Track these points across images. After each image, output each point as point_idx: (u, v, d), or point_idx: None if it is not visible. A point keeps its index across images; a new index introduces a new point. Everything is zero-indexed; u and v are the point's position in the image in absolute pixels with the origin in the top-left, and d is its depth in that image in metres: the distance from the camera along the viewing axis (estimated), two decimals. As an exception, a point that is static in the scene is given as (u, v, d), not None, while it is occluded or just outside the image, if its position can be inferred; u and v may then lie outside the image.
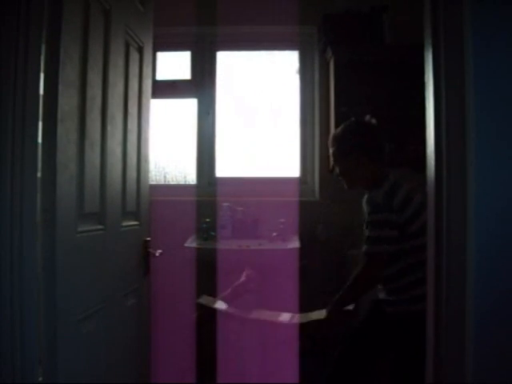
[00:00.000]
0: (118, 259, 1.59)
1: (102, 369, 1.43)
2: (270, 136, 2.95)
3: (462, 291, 1.00)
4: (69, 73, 1.22)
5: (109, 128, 1.49)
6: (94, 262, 1.39)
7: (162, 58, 2.92)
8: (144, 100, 1.82)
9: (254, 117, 2.96)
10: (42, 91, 1.14)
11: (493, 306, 0.97)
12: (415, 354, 1.28)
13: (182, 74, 2.96)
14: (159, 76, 2.89)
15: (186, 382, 2.30)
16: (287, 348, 2.22)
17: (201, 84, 2.94)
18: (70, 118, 1.24)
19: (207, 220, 2.68)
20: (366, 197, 1.93)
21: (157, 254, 1.81)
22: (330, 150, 1.95)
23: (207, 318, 2.27)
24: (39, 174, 1.13)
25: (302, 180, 2.92)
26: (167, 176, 2.97)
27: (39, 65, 1.12)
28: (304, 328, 1.95)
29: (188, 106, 2.96)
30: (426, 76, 1.12)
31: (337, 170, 1.93)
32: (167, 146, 2.95)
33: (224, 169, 2.95)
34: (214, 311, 2.24)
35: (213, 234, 2.65)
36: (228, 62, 2.98)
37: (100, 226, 1.44)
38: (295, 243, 2.44)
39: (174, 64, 2.97)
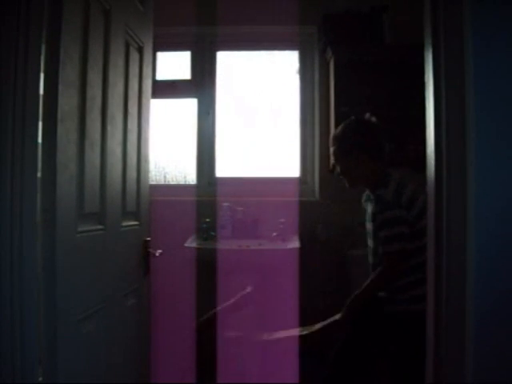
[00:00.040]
0: (118, 259, 1.59)
1: (101, 369, 1.43)
2: (270, 136, 2.95)
3: (462, 291, 1.00)
4: (69, 73, 1.22)
5: (109, 128, 1.49)
6: (94, 262, 1.39)
7: (162, 58, 2.92)
8: (144, 100, 1.82)
9: (254, 117, 2.96)
10: (42, 91, 1.14)
11: (493, 305, 0.97)
12: (415, 354, 1.28)
13: (181, 73, 2.95)
14: (159, 76, 2.89)
15: (185, 382, 2.30)
16: (287, 348, 2.22)
17: (201, 84, 2.94)
18: (70, 118, 1.24)
19: (207, 220, 2.68)
20: (369, 195, 1.93)
21: (157, 254, 1.81)
22: (331, 149, 1.95)
23: (207, 326, 2.28)
24: (39, 174, 1.13)
25: (302, 180, 2.92)
26: (167, 176, 2.97)
27: (39, 65, 1.12)
28: (317, 336, 1.94)
29: (188, 106, 2.96)
30: (426, 76, 1.12)
31: (338, 169, 1.93)
32: (167, 145, 2.95)
33: (224, 169, 2.95)
34: (214, 319, 2.25)
35: (213, 233, 2.65)
36: (228, 62, 2.98)
37: (100, 226, 1.44)
38: (295, 243, 2.44)
39: (174, 64, 2.97)
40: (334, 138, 1.93)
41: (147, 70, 1.86)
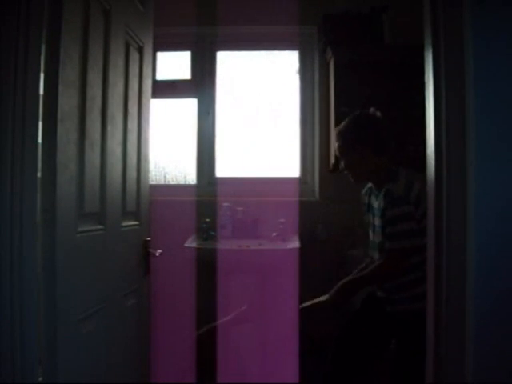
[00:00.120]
0: (118, 259, 1.59)
1: (102, 369, 1.43)
2: (270, 136, 2.95)
3: (462, 291, 1.00)
4: (69, 73, 1.22)
5: (109, 128, 1.49)
6: (94, 262, 1.39)
7: (162, 58, 2.92)
8: (144, 100, 1.82)
9: (254, 117, 2.96)
10: (42, 91, 1.14)
11: (493, 305, 0.97)
12: (415, 353, 1.28)
13: (182, 74, 2.95)
14: (159, 76, 2.89)
15: (185, 382, 2.30)
16: (287, 348, 2.23)
17: (201, 84, 2.94)
18: (70, 118, 1.24)
19: (207, 220, 2.68)
20: (371, 188, 1.93)
21: (157, 254, 1.81)
22: (335, 144, 1.94)
23: (208, 337, 2.30)
24: (39, 174, 1.13)
25: (302, 180, 2.92)
26: (167, 176, 2.97)
27: (39, 65, 1.12)
28: (304, 312, 1.94)
29: (188, 106, 2.96)
30: (426, 76, 1.12)
31: (342, 164, 1.93)
32: (167, 145, 2.95)
33: (224, 169, 2.95)
34: (215, 331, 2.28)
35: (213, 233, 2.65)
36: (228, 62, 2.98)
37: (100, 226, 1.44)
38: (295, 243, 2.44)
39: (174, 64, 2.97)
40: (339, 132, 1.93)
41: (147, 70, 1.87)
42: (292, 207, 2.68)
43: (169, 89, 2.90)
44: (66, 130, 1.21)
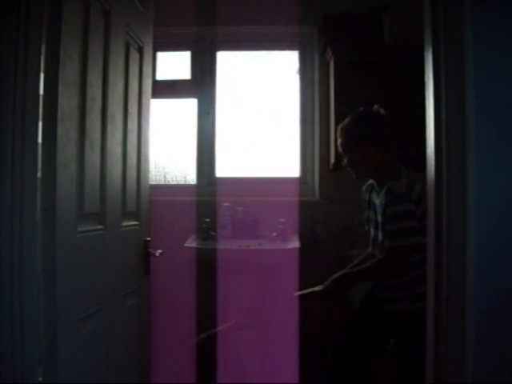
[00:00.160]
0: (118, 259, 1.59)
1: (102, 369, 1.43)
2: (270, 136, 2.95)
3: (462, 291, 1.00)
4: (69, 73, 1.22)
5: (109, 128, 1.49)
6: (94, 262, 1.39)
7: (162, 58, 2.92)
8: (144, 100, 1.82)
9: (254, 117, 2.96)
10: (42, 91, 1.14)
11: (493, 305, 0.97)
12: (415, 353, 1.28)
13: (182, 74, 2.95)
14: (159, 76, 2.89)
15: (185, 382, 2.30)
16: (287, 348, 2.23)
17: (201, 84, 2.94)
18: (70, 118, 1.24)
19: (207, 220, 2.68)
20: (373, 185, 1.92)
21: (157, 254, 1.81)
22: (339, 141, 1.94)
23: (207, 343, 2.31)
24: (39, 174, 1.13)
25: (302, 180, 2.92)
26: (167, 176, 2.97)
27: (39, 65, 1.12)
28: (298, 300, 1.95)
29: (188, 106, 2.96)
30: (426, 76, 1.12)
31: (345, 160, 1.92)
32: (167, 145, 2.95)
33: (224, 169, 2.95)
34: (215, 336, 2.28)
35: (213, 233, 2.65)
36: (228, 61, 2.98)
37: (100, 226, 1.44)
38: (295, 243, 2.44)
39: (174, 64, 2.97)
40: (342, 129, 1.92)
41: (147, 70, 1.87)
42: (292, 207, 2.68)
43: (169, 89, 2.90)
44: (66, 130, 1.21)
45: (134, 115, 1.73)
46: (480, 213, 0.98)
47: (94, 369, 1.38)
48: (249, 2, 2.78)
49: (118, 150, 1.59)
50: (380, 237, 1.84)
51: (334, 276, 1.84)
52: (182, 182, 2.97)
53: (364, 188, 2.01)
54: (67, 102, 1.21)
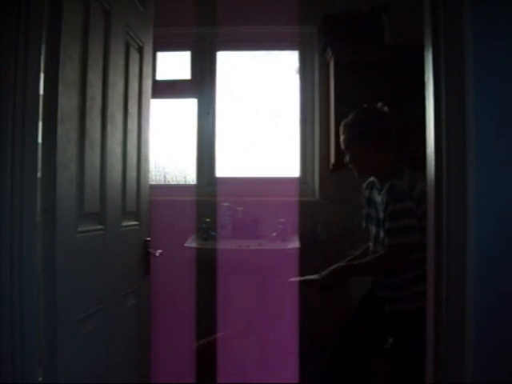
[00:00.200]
0: (118, 259, 1.59)
1: (102, 369, 1.43)
2: (270, 136, 2.95)
3: (462, 291, 1.00)
4: (69, 73, 1.22)
5: (109, 128, 1.49)
6: (94, 262, 1.39)
7: (162, 58, 2.92)
8: (144, 100, 1.82)
9: (254, 117, 2.96)
10: (42, 91, 1.14)
11: (493, 305, 0.97)
12: (415, 353, 1.28)
13: (182, 74, 2.95)
14: (159, 76, 2.89)
15: (185, 382, 2.30)
16: (287, 348, 2.23)
17: (201, 84, 2.94)
18: (70, 118, 1.24)
19: (207, 220, 2.68)
20: (373, 182, 1.92)
21: (157, 254, 1.81)
22: (341, 137, 1.94)
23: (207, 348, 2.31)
24: (39, 174, 1.13)
25: (302, 180, 2.92)
26: (167, 176, 2.97)
27: (39, 65, 1.12)
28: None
29: (188, 106, 2.96)
30: (426, 76, 1.12)
31: (347, 157, 1.92)
32: (167, 145, 2.95)
33: (224, 169, 2.95)
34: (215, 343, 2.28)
35: (213, 233, 2.65)
36: (228, 61, 2.98)
37: (100, 226, 1.44)
38: (295, 243, 2.44)
39: (174, 64, 2.97)
40: (345, 125, 1.92)
41: (147, 70, 1.86)
42: (292, 207, 2.68)
43: (169, 89, 2.90)
44: (66, 130, 1.21)
45: (134, 115, 1.73)
46: (480, 213, 0.98)
47: (94, 369, 1.38)
48: (249, 1, 2.78)
49: (118, 150, 1.59)
50: (382, 234, 1.83)
51: (332, 267, 1.85)
52: (182, 182, 2.96)
53: (365, 185, 2.01)
54: (67, 102, 1.21)
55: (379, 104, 1.91)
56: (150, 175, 1.95)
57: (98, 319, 1.41)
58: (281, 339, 2.40)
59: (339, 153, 2.23)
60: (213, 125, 2.94)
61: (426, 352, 1.12)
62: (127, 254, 1.68)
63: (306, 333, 2.40)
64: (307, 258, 2.50)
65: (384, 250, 1.79)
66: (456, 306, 1.01)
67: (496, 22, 0.99)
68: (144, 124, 1.82)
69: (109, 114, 1.48)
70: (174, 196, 2.83)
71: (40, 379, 1.11)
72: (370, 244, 1.95)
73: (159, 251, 1.81)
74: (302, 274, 2.33)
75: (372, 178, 1.95)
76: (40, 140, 1.13)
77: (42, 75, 1.14)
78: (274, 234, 2.62)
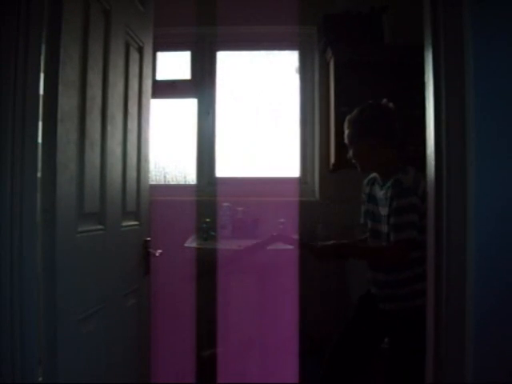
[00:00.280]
0: (118, 259, 1.59)
1: (102, 369, 1.43)
2: (270, 136, 2.95)
3: (462, 291, 1.00)
4: (69, 73, 1.22)
5: (109, 128, 1.49)
6: (94, 262, 1.39)
7: (162, 58, 2.92)
8: (144, 100, 1.82)
9: (254, 117, 2.96)
10: (42, 91, 1.14)
11: (493, 305, 0.98)
12: (415, 351, 1.28)
13: (182, 74, 2.96)
14: (159, 76, 2.89)
15: (185, 382, 2.30)
16: (287, 348, 2.23)
17: (201, 84, 2.94)
18: (70, 118, 1.24)
19: (207, 220, 2.68)
20: (375, 178, 1.92)
21: (157, 254, 1.81)
22: (345, 133, 1.93)
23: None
24: (39, 174, 1.13)
25: (302, 180, 2.92)
26: (167, 176, 2.97)
27: (39, 65, 1.12)
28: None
29: (188, 106, 2.96)
30: (426, 76, 1.12)
31: (350, 152, 1.92)
32: (167, 145, 2.95)
33: (224, 169, 2.95)
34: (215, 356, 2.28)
35: (213, 233, 2.65)
36: (228, 61, 2.98)
37: (100, 226, 1.44)
38: (295, 243, 2.43)
39: (174, 64, 2.97)
40: (349, 121, 1.92)
41: (147, 70, 1.86)
42: (292, 207, 2.68)
43: (169, 89, 2.90)
44: (66, 130, 1.21)
45: (134, 115, 1.73)
46: (480, 213, 0.98)
47: (94, 369, 1.38)
48: (249, 1, 2.78)
49: (118, 150, 1.59)
50: (385, 229, 1.83)
51: (336, 242, 1.84)
52: (182, 182, 2.97)
53: (365, 181, 2.01)
54: (67, 102, 1.21)
55: (384, 100, 1.90)
56: (150, 175, 1.95)
57: (98, 319, 1.41)
58: (281, 339, 2.40)
59: (339, 153, 2.23)
60: (213, 125, 2.94)
61: (426, 351, 1.12)
62: (127, 254, 1.68)
63: (305, 333, 2.40)
64: (307, 258, 2.50)
65: (390, 244, 1.78)
66: (456, 306, 1.01)
67: (496, 22, 0.99)
68: (144, 124, 1.82)
69: (109, 114, 1.48)
70: (174, 196, 2.83)
71: (40, 379, 1.11)
72: (369, 240, 1.95)
73: (159, 251, 1.81)
74: (302, 274, 2.34)
75: (373, 174, 1.95)
76: (40, 140, 1.13)
77: (42, 75, 1.14)
78: (274, 234, 2.61)
